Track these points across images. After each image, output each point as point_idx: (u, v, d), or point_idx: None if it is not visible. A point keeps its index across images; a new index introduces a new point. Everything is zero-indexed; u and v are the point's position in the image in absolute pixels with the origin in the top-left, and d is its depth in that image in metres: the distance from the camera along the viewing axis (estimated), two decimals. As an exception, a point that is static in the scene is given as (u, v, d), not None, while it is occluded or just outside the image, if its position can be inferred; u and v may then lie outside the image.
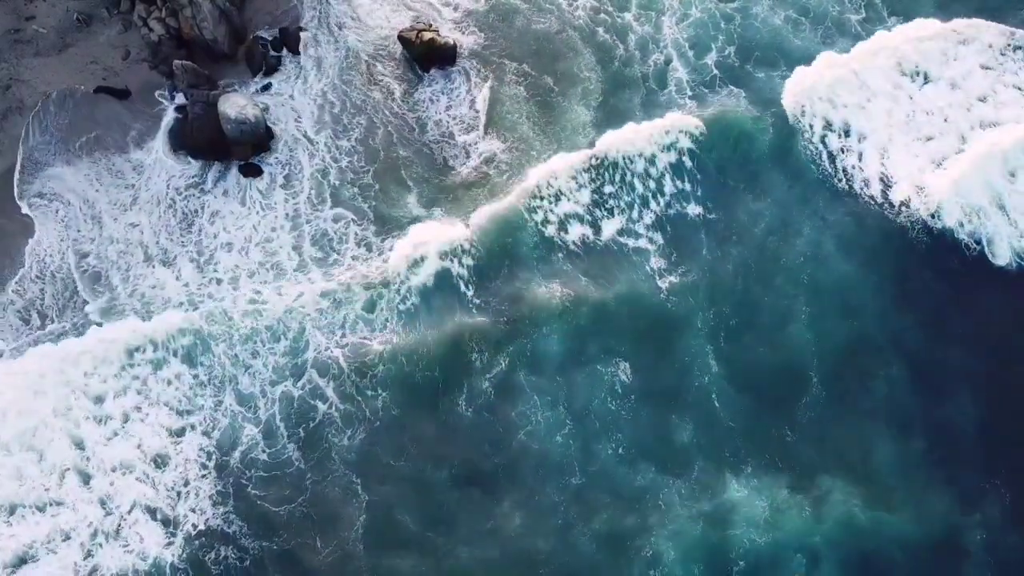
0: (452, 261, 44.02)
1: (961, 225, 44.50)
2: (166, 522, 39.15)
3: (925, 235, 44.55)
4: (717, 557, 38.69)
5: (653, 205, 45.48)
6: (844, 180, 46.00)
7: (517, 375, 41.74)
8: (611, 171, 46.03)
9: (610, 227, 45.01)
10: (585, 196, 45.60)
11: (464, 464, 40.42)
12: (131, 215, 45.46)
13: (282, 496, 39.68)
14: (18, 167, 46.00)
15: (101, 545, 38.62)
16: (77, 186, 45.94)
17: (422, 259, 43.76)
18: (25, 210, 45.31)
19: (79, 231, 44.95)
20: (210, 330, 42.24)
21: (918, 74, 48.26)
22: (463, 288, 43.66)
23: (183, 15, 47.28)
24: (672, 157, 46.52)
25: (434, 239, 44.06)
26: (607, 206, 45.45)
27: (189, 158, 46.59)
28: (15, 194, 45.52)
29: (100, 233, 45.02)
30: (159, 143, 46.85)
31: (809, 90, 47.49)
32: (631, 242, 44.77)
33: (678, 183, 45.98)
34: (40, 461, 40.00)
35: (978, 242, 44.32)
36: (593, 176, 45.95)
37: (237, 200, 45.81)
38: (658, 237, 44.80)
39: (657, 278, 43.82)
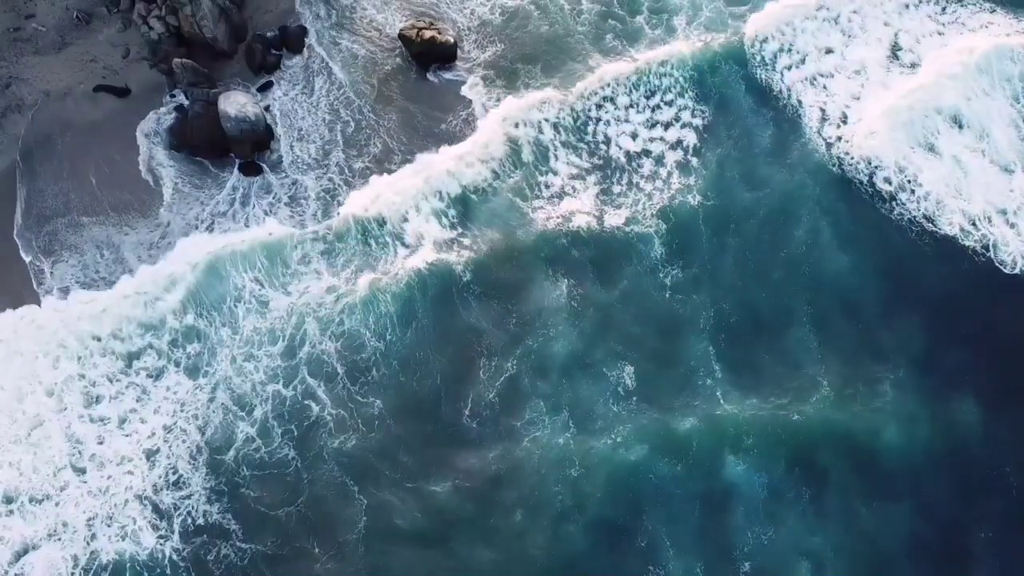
0: (451, 253, 43.78)
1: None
2: (162, 516, 39.16)
3: (925, 234, 44.29)
4: (719, 550, 38.59)
5: (656, 196, 45.25)
6: (837, 165, 45.93)
7: (519, 375, 41.58)
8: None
9: (614, 215, 44.90)
10: (590, 194, 45.36)
11: (460, 461, 40.18)
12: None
13: (280, 497, 39.59)
14: (19, 212, 45.24)
15: (97, 537, 38.75)
16: (99, 234, 44.95)
17: (419, 246, 43.84)
18: (30, 259, 44.43)
19: (97, 272, 44.18)
20: (217, 336, 42.25)
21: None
22: (463, 284, 43.33)
23: (183, 13, 47.02)
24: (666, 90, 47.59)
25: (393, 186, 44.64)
26: (608, 194, 45.35)
27: (196, 158, 46.42)
28: (19, 248, 44.57)
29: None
30: (166, 171, 46.30)
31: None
32: (635, 229, 44.48)
33: (679, 170, 45.96)
34: (38, 455, 40.15)
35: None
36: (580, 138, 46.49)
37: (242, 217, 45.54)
38: (660, 224, 44.60)
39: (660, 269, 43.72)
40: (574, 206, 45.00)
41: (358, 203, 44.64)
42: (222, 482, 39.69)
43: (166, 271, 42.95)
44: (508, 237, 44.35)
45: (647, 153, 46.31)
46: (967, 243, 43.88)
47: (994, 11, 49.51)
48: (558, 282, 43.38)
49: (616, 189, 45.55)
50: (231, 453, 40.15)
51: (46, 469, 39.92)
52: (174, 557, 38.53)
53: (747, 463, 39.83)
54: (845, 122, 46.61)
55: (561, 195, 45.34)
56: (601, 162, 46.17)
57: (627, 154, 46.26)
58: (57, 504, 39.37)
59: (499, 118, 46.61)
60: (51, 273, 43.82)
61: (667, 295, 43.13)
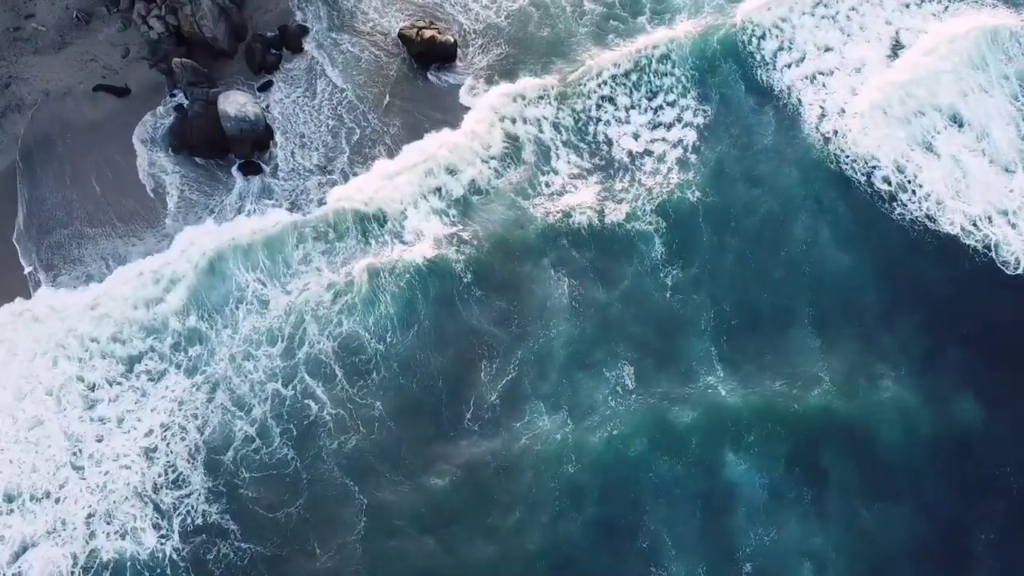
0: (451, 250, 43.75)
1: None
2: (162, 515, 39.17)
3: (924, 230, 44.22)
4: (722, 551, 38.52)
5: (656, 191, 45.24)
6: (835, 162, 45.89)
7: (520, 376, 41.54)
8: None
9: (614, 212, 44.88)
10: (592, 191, 45.32)
11: (460, 459, 40.14)
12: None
13: (279, 498, 39.53)
14: (21, 218, 45.07)
15: (96, 535, 38.77)
16: (105, 247, 44.53)
17: (419, 243, 43.84)
18: (30, 270, 44.25)
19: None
20: (218, 337, 42.25)
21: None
22: (462, 282, 43.32)
23: (183, 13, 46.97)
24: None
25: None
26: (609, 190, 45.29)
27: (196, 159, 46.33)
28: (19, 254, 44.48)
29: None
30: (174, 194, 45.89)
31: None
32: (636, 226, 44.43)
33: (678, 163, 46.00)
34: (38, 454, 40.18)
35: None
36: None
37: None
38: (661, 221, 44.60)
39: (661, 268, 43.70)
40: (575, 202, 44.89)
41: (357, 197, 44.60)
42: (220, 483, 39.64)
43: (169, 269, 42.95)
44: (508, 234, 44.28)
45: (648, 152, 46.26)
46: (968, 242, 43.76)
47: (996, 7, 49.40)
48: (560, 280, 43.30)
49: (618, 186, 45.44)
50: (230, 453, 40.09)
51: (46, 467, 39.91)
52: (174, 557, 38.46)
53: (748, 463, 39.81)
54: (842, 116, 46.56)
55: (562, 192, 45.24)
56: (602, 161, 46.09)
57: (628, 153, 46.21)
58: (56, 502, 39.36)
59: (489, 104, 46.68)
60: (51, 287, 43.78)
61: (668, 293, 43.05)
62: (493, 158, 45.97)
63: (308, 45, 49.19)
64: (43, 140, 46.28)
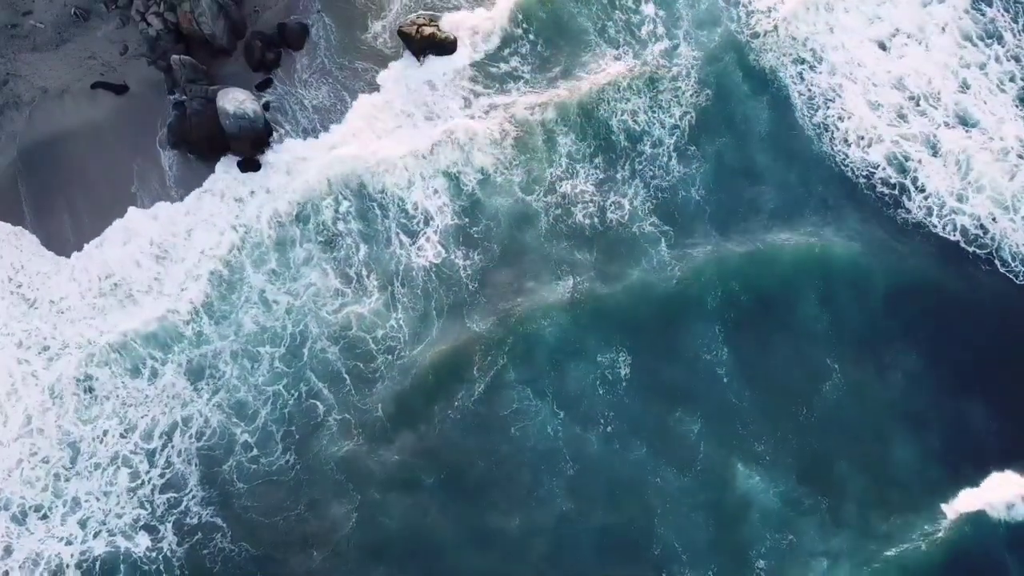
0: (453, 241, 44.04)
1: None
2: (158, 517, 39.38)
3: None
4: (733, 553, 38.70)
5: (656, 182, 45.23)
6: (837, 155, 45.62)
7: (513, 375, 41.68)
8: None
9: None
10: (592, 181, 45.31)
11: (459, 464, 40.33)
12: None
13: (276, 499, 39.72)
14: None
15: (93, 536, 38.98)
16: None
17: (422, 233, 44.17)
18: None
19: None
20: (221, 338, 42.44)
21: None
22: (467, 278, 43.54)
23: (182, 10, 46.74)
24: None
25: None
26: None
27: (192, 158, 46.25)
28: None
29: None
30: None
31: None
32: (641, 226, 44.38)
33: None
34: (36, 454, 40.35)
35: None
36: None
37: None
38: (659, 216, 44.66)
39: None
40: (576, 193, 44.88)
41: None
42: (216, 487, 39.85)
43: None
44: (509, 219, 44.54)
45: (646, 135, 45.92)
46: (968, 248, 43.47)
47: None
48: (563, 280, 43.25)
49: (619, 176, 45.20)
50: (230, 460, 40.21)
51: (42, 468, 39.85)
52: (170, 558, 38.55)
53: (759, 475, 39.98)
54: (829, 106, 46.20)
55: (564, 179, 45.21)
56: (604, 151, 45.82)
57: (629, 141, 45.85)
58: (52, 502, 39.43)
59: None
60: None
61: (673, 284, 43.08)
62: (503, 148, 45.76)
63: (308, 42, 48.69)
64: (42, 138, 46.02)
